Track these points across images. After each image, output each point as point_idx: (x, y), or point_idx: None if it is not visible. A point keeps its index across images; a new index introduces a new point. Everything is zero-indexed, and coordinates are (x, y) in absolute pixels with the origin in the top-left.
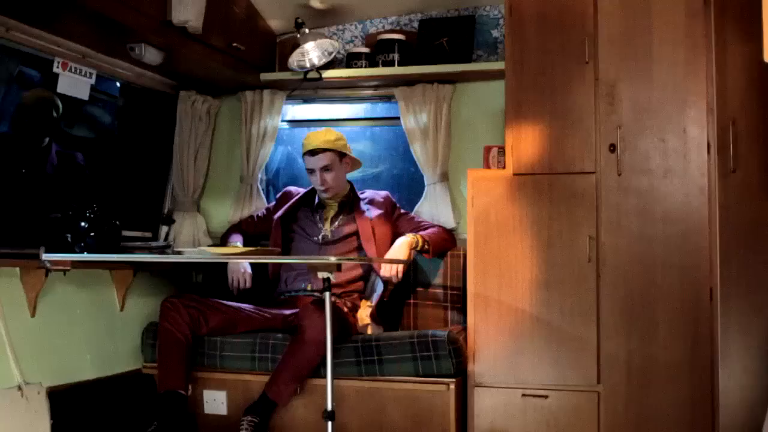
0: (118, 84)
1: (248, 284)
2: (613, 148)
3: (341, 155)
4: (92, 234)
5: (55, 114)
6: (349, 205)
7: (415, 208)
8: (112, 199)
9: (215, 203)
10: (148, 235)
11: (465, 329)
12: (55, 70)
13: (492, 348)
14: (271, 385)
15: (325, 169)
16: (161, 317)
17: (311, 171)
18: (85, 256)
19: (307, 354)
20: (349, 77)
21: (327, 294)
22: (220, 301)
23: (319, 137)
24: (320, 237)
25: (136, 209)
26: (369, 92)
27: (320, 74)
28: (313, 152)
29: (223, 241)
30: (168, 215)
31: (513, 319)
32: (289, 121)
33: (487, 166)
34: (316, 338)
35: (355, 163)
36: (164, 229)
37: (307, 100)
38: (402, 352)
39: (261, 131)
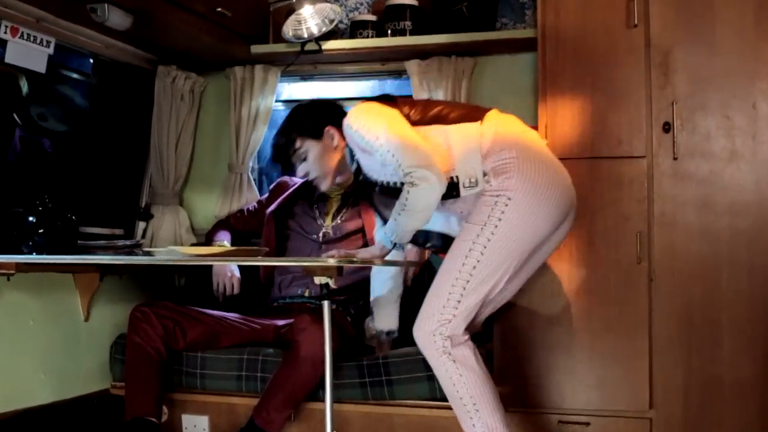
0: (91, 60)
1: (236, 290)
2: (667, 127)
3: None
4: (41, 231)
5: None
6: (354, 196)
7: None
8: (83, 191)
9: (200, 196)
10: (119, 232)
11: (490, 342)
12: (2, 36)
13: (522, 365)
14: (261, 410)
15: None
16: (130, 329)
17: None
18: (31, 258)
19: (303, 374)
20: (353, 49)
21: (326, 303)
22: (201, 309)
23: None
24: (320, 235)
25: (109, 203)
26: (377, 67)
27: (320, 46)
28: None
29: (208, 238)
30: (145, 209)
31: (547, 331)
32: (285, 101)
33: None
34: (313, 355)
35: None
36: (141, 225)
37: (305, 77)
38: (415, 370)
39: (252, 113)
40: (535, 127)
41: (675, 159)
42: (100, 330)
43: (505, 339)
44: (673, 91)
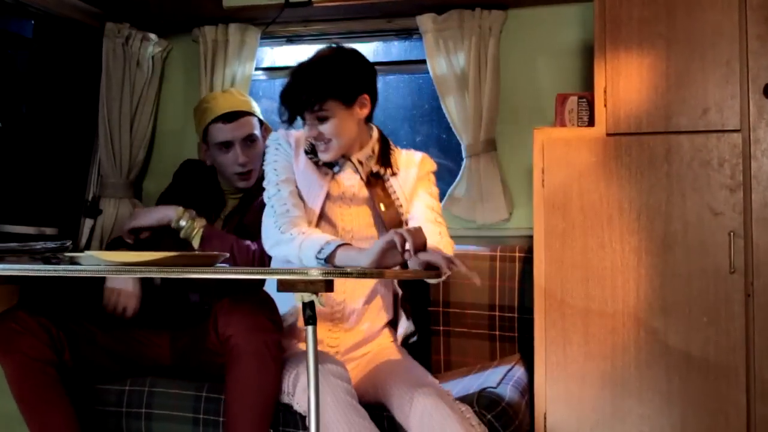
0: (32, 22)
1: (129, 311)
2: None
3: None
4: None
5: None
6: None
7: (449, 191)
8: (7, 181)
9: (161, 187)
10: (50, 231)
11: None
12: None
13: (573, 407)
14: None
15: (251, 139)
16: (6, 348)
17: (226, 145)
18: None
19: (254, 374)
20: (351, 1)
21: (309, 329)
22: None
23: (233, 97)
24: None
25: (44, 195)
26: (381, 24)
27: None
28: (230, 117)
29: None
30: (93, 204)
31: (609, 363)
32: (267, 69)
33: (563, 123)
34: (247, 345)
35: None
36: (88, 223)
37: (291, 39)
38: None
39: (227, 84)
40: (591, 95)
41: None
42: None
43: (551, 373)
44: None
